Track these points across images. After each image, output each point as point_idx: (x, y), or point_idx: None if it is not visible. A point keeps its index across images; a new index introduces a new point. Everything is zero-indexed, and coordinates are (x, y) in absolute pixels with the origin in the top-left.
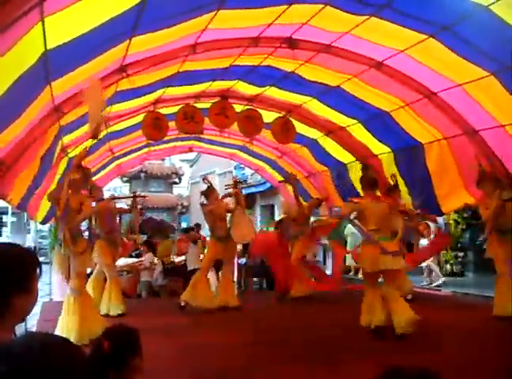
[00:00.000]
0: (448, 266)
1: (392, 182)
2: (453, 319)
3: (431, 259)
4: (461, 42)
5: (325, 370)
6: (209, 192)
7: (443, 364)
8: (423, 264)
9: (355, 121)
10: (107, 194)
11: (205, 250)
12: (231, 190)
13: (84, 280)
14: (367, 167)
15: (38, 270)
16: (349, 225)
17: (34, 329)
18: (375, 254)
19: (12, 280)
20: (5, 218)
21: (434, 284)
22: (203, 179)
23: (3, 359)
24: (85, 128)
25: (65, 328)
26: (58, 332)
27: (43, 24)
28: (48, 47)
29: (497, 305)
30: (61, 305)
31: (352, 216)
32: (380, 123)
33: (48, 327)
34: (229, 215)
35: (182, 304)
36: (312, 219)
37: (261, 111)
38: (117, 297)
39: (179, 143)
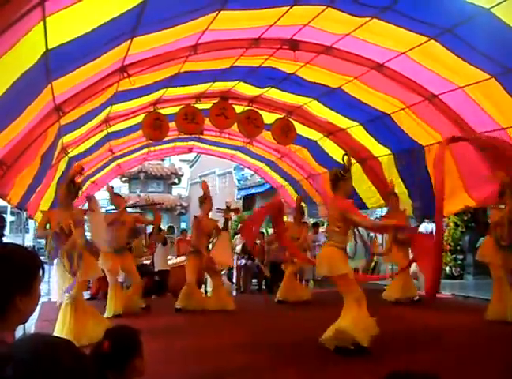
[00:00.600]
0: (447, 268)
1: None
2: (454, 321)
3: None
4: (463, 44)
5: (323, 372)
6: (204, 200)
7: (442, 365)
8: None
9: (355, 123)
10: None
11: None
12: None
13: (84, 288)
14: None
15: (41, 271)
16: None
17: (32, 329)
18: None
19: (16, 281)
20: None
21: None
22: (202, 185)
23: (9, 363)
24: (85, 128)
25: (63, 331)
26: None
27: (45, 24)
28: (49, 47)
29: (490, 309)
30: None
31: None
32: (380, 125)
33: (47, 327)
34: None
35: (178, 307)
36: None
37: (261, 112)
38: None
39: (179, 143)
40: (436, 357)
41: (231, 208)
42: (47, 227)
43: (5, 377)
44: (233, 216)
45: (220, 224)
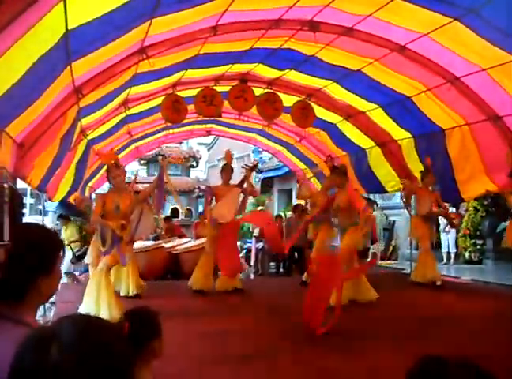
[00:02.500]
0: (466, 254)
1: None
2: (476, 307)
3: None
4: (488, 25)
5: (341, 356)
6: (225, 169)
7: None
8: None
9: (375, 105)
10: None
11: None
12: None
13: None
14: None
15: (61, 252)
16: None
17: (52, 311)
18: None
19: (39, 262)
20: (24, 199)
21: None
22: (226, 154)
23: (53, 344)
24: (104, 110)
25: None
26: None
27: (65, 4)
28: (69, 27)
29: None
30: (78, 287)
31: None
32: (401, 108)
33: (67, 308)
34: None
35: (196, 288)
36: None
37: (280, 95)
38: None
39: (197, 126)
40: (457, 343)
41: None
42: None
43: (50, 360)
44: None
45: None
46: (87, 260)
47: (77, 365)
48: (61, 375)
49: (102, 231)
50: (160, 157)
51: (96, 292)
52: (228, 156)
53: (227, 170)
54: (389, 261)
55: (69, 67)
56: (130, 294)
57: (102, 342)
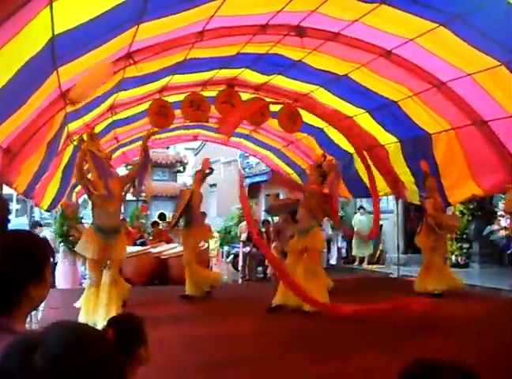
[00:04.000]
0: (453, 257)
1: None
2: (463, 310)
3: None
4: (473, 31)
5: (334, 359)
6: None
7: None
8: None
9: (362, 110)
10: None
11: None
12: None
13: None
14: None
15: (51, 258)
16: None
17: (39, 317)
18: None
19: (28, 269)
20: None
21: None
22: (204, 161)
23: (37, 350)
24: (91, 115)
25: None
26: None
27: (51, 9)
28: (56, 32)
29: None
30: (65, 294)
31: None
32: (387, 113)
33: (54, 315)
34: None
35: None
36: None
37: (267, 100)
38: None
39: (184, 131)
40: (447, 345)
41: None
42: None
43: (33, 366)
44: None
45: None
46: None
47: (59, 372)
48: None
49: None
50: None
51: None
52: (205, 163)
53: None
54: (376, 266)
55: (55, 72)
56: None
57: (87, 350)
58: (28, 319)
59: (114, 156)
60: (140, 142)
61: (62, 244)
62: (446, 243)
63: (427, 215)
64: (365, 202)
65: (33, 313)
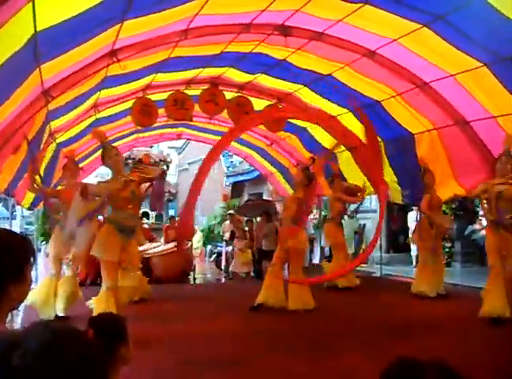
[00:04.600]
0: None
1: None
2: (445, 309)
3: None
4: (455, 32)
5: (318, 359)
6: None
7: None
8: None
9: (345, 110)
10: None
11: None
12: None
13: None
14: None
15: (32, 258)
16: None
17: (20, 316)
18: None
19: (8, 269)
20: None
21: None
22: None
23: (15, 350)
24: (74, 113)
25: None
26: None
27: (34, 5)
28: (38, 29)
29: None
30: None
31: None
32: (371, 112)
33: (35, 314)
34: None
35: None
36: None
37: (251, 99)
38: None
39: (168, 130)
40: (429, 345)
41: None
42: None
43: (11, 366)
44: (222, 203)
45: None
46: None
47: (39, 371)
48: None
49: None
50: (130, 161)
51: None
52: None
53: None
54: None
55: (38, 69)
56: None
57: (67, 349)
58: (9, 317)
59: (96, 155)
60: (122, 141)
61: (43, 243)
62: (441, 242)
63: (421, 212)
64: None
65: (14, 312)
